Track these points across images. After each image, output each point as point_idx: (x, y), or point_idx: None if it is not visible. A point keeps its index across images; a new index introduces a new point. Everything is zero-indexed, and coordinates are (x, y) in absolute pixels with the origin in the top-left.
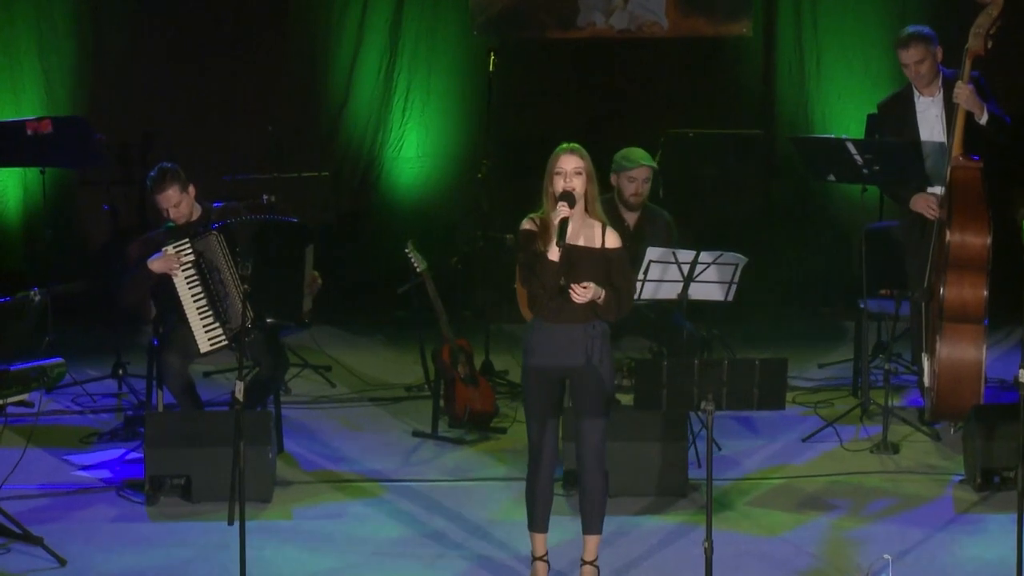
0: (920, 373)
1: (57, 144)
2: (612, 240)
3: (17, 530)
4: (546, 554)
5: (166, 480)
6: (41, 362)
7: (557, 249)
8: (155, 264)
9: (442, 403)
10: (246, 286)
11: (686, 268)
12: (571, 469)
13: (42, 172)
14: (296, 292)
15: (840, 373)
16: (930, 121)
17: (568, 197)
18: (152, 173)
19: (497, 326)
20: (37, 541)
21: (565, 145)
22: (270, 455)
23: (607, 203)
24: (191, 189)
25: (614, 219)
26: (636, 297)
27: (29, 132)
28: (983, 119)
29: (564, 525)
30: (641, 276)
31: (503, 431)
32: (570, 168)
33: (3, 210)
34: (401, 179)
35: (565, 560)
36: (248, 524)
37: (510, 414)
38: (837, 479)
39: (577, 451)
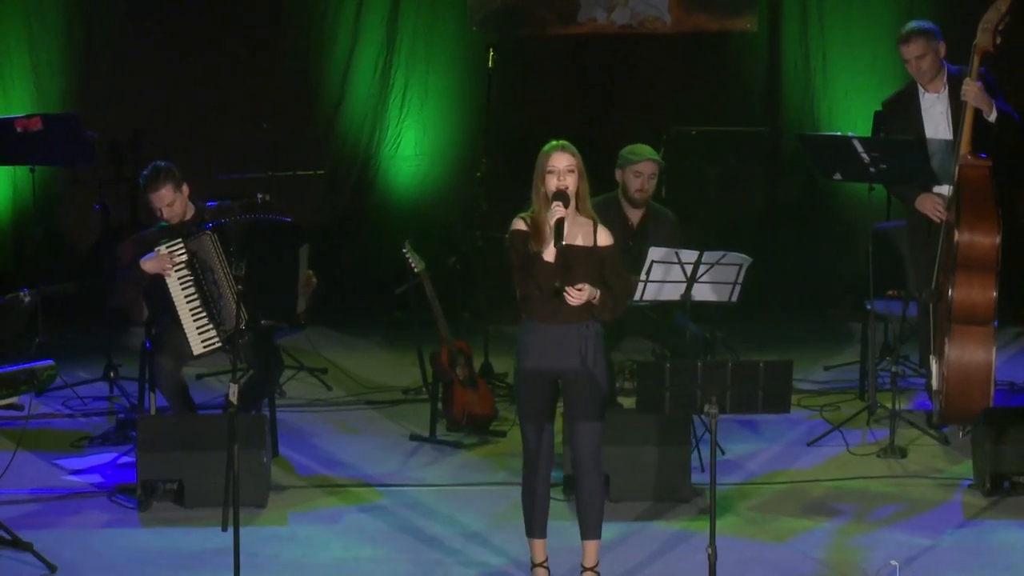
0: (928, 376)
1: (47, 142)
2: (604, 238)
3: (6, 536)
4: (546, 560)
5: (159, 485)
6: (31, 364)
7: (553, 250)
8: (148, 264)
9: (440, 406)
10: (240, 286)
11: (689, 268)
12: (571, 474)
13: (32, 170)
14: (291, 293)
15: (846, 375)
16: (935, 118)
17: (563, 196)
18: (145, 171)
19: (496, 328)
20: (27, 547)
21: (555, 142)
22: (264, 459)
23: (611, 200)
24: (185, 188)
25: (618, 216)
26: (638, 298)
27: (19, 130)
28: (992, 116)
29: (564, 530)
30: (643, 276)
31: (502, 435)
32: (562, 166)
33: None
34: (398, 178)
35: (566, 566)
36: (242, 530)
37: (509, 417)
38: (843, 484)
39: (572, 454)
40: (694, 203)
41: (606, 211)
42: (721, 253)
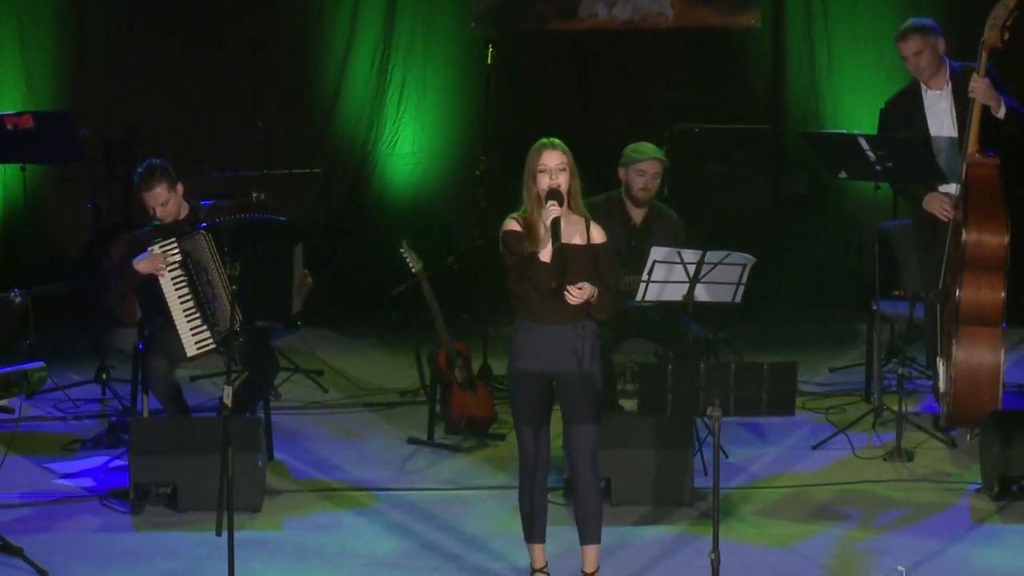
0: (935, 378)
1: (38, 139)
2: (598, 235)
3: None
4: (546, 566)
5: (151, 489)
6: (22, 366)
7: (549, 250)
8: (141, 264)
9: (438, 409)
10: (234, 287)
11: (692, 268)
12: (570, 478)
13: (22, 168)
14: (286, 293)
15: (852, 377)
16: (939, 115)
17: (557, 195)
18: (140, 169)
19: (495, 329)
20: (17, 552)
21: (545, 140)
22: (259, 463)
23: (613, 199)
24: (179, 187)
25: (620, 215)
26: (640, 298)
27: (9, 127)
28: (1001, 112)
29: (564, 535)
30: (645, 276)
31: (501, 438)
32: (554, 164)
33: None
34: (396, 176)
35: (566, 572)
36: (236, 535)
37: (509, 420)
38: (849, 488)
39: (569, 458)
40: (697, 202)
41: (609, 210)
42: (724, 253)
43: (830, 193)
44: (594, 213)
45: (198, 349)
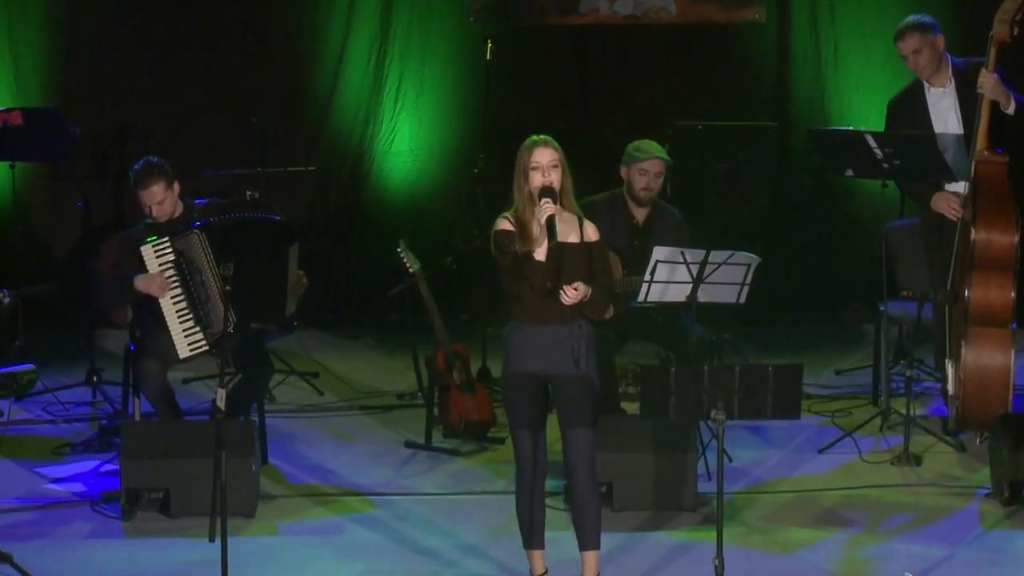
0: (944, 380)
1: (28, 136)
2: (592, 232)
3: None
4: (545, 572)
5: (143, 494)
6: (10, 368)
7: (544, 249)
8: (142, 284)
9: (436, 412)
10: (228, 287)
11: (695, 268)
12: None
13: (11, 166)
14: (281, 294)
15: (859, 380)
16: (943, 113)
17: (551, 193)
18: (136, 167)
19: (495, 330)
20: (6, 559)
21: (536, 137)
22: (253, 467)
23: (615, 197)
24: (176, 186)
25: (623, 214)
26: (642, 299)
27: None
28: (1010, 108)
29: (564, 541)
30: (648, 277)
31: (500, 441)
32: (546, 161)
33: None
34: (393, 174)
35: None
36: (230, 540)
37: None
38: (855, 492)
39: (566, 462)
40: (700, 200)
41: (611, 209)
42: (728, 252)
43: (836, 192)
44: (596, 212)
45: (191, 351)
